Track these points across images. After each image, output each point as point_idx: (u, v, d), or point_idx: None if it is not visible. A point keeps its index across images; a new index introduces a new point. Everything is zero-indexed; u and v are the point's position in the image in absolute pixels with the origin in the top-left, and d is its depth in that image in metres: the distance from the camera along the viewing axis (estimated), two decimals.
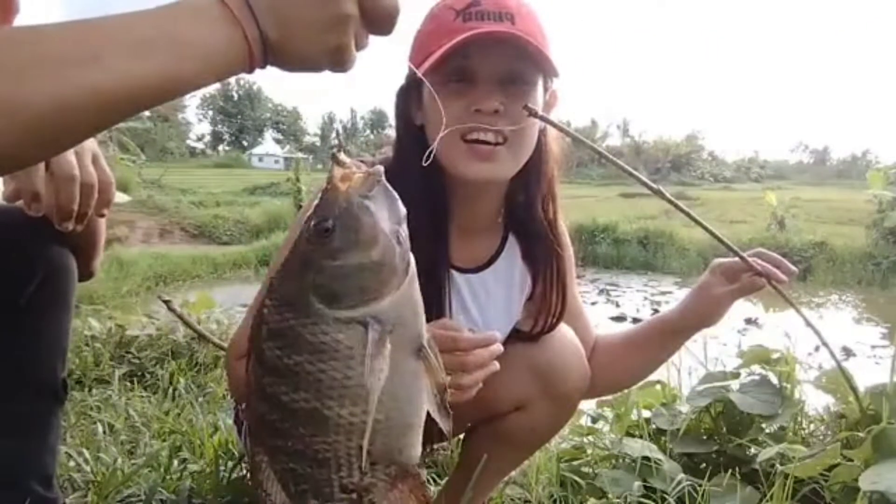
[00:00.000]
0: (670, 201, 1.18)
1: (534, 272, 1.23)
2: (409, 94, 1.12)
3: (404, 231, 0.62)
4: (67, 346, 1.10)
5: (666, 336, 1.29)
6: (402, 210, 0.63)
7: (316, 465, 0.63)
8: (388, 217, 0.61)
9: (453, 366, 0.90)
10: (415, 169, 1.09)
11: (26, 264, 0.99)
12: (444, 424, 0.66)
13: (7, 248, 0.97)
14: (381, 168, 0.63)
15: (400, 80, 1.14)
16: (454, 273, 1.17)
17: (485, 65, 1.02)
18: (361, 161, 0.65)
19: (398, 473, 0.65)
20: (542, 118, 1.04)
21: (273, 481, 0.65)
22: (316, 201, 0.63)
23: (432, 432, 1.18)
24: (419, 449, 0.66)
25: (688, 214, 1.23)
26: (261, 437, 0.65)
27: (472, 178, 1.08)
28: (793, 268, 1.19)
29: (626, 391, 1.70)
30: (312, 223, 0.61)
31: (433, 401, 0.65)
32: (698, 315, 1.24)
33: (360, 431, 0.61)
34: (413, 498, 0.66)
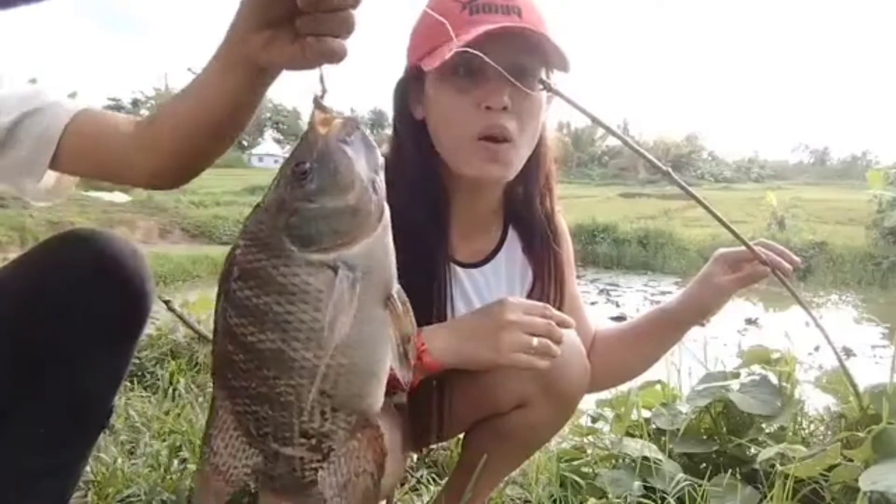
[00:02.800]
0: (679, 185, 1.19)
1: (534, 266, 1.24)
2: (409, 87, 1.11)
3: (381, 180, 0.63)
4: (124, 377, 1.07)
5: (666, 327, 1.29)
6: (380, 159, 0.63)
7: (278, 408, 0.63)
8: (365, 163, 0.61)
9: (541, 330, 1.00)
10: (415, 164, 1.09)
11: (110, 299, 0.96)
12: (403, 375, 0.66)
13: (93, 281, 0.94)
14: (359, 116, 0.65)
15: (398, 74, 1.13)
16: (456, 268, 1.18)
17: (494, 59, 1.01)
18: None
19: (358, 422, 0.65)
20: (559, 93, 1.05)
21: (224, 429, 0.66)
22: (295, 145, 0.64)
23: (431, 433, 1.20)
24: (381, 400, 0.66)
25: (696, 198, 1.23)
26: (224, 378, 0.65)
27: (483, 178, 1.08)
28: (796, 258, 1.19)
29: (626, 390, 1.70)
30: (291, 165, 0.61)
31: (396, 351, 0.65)
32: (700, 303, 1.24)
33: (324, 377, 0.62)
34: (371, 449, 0.66)
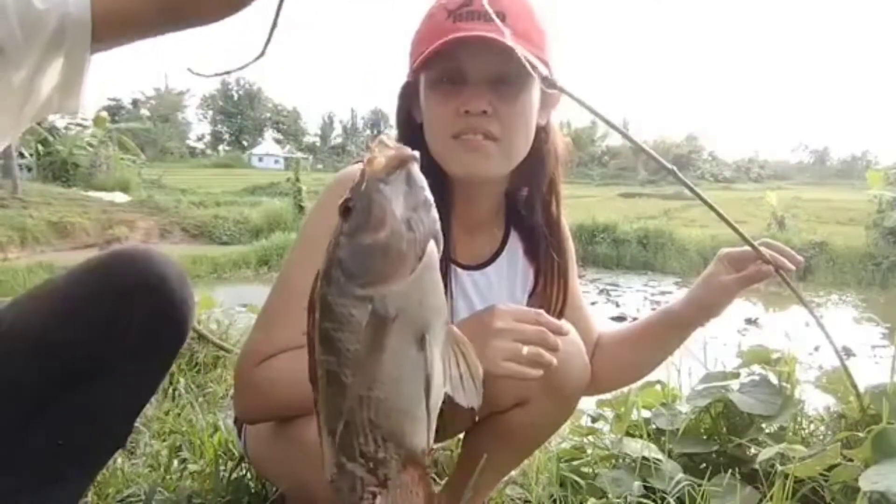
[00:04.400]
0: (682, 181, 1.19)
1: (535, 268, 1.24)
2: (410, 92, 1.13)
3: (423, 218, 0.63)
4: (150, 400, 1.09)
5: (671, 327, 1.29)
6: (423, 196, 0.64)
7: (344, 425, 0.67)
8: (402, 203, 0.62)
9: (532, 337, 0.96)
10: None
11: (151, 320, 0.97)
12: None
13: (137, 301, 0.95)
14: (411, 154, 0.63)
15: (402, 79, 1.15)
16: (458, 270, 1.18)
17: (474, 66, 1.03)
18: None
19: (408, 458, 0.68)
20: (563, 90, 1.05)
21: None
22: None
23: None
24: (423, 441, 0.68)
25: (698, 195, 1.23)
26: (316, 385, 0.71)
27: (462, 173, 1.09)
28: (799, 257, 1.19)
29: (626, 390, 1.70)
30: (343, 199, 0.65)
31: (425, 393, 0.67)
32: (704, 304, 1.23)
33: (367, 405, 0.65)
34: (421, 487, 0.68)
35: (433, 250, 0.63)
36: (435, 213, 0.64)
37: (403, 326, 0.63)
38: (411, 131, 1.12)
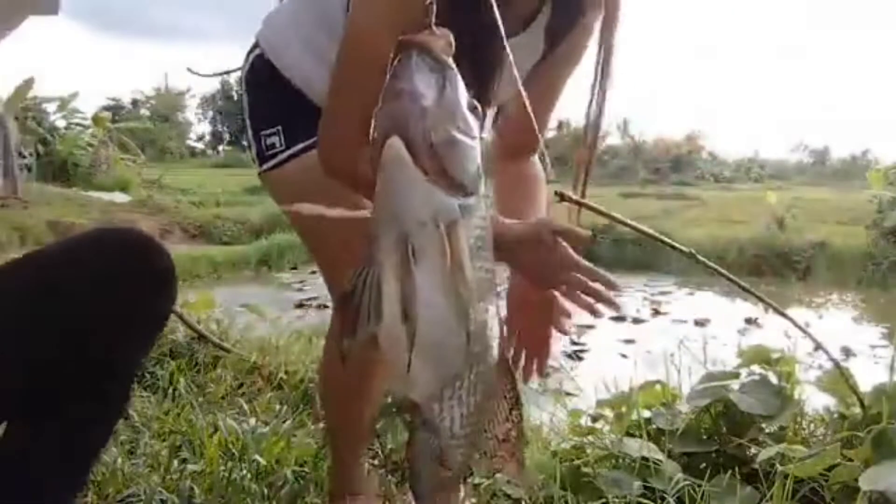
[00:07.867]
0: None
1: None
2: None
3: (389, 110, 0.64)
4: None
5: None
6: (398, 87, 0.63)
7: None
8: (383, 95, 0.65)
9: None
10: None
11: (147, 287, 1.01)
12: None
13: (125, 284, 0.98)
14: (411, 39, 0.62)
15: None
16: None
17: None
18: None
19: None
20: None
21: None
22: None
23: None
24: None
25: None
26: None
27: None
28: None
29: (626, 390, 1.71)
30: None
31: None
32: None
33: None
34: None
35: (388, 148, 0.61)
36: (408, 104, 0.62)
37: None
38: None
